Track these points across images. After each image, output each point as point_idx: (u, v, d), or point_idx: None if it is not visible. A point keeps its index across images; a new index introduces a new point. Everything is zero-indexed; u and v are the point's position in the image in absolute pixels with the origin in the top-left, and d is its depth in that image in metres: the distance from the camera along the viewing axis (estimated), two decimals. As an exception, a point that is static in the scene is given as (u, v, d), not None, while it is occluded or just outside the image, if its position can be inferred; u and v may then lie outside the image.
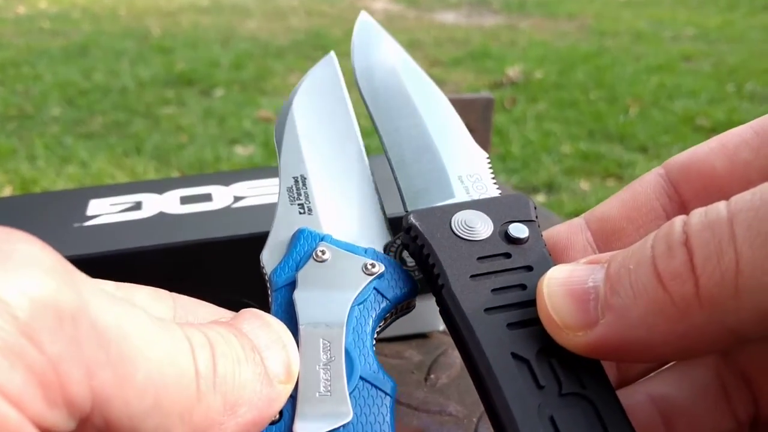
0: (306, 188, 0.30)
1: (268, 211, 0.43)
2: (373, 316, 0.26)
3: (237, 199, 0.46)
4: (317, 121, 0.32)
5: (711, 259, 0.20)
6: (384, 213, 0.30)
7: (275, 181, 0.49)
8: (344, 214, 0.30)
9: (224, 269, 0.41)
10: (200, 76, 2.95)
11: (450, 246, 0.27)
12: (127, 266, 0.39)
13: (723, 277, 0.20)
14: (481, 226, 0.27)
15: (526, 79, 2.90)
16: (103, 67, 3.08)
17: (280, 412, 0.23)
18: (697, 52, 3.30)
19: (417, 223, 0.27)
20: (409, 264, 0.40)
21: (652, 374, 0.29)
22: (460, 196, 0.30)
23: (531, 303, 0.24)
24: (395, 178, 0.31)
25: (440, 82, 0.32)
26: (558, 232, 0.29)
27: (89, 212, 0.43)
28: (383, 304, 0.27)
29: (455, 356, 0.43)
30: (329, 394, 0.23)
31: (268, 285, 0.28)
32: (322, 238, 0.28)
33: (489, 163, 0.31)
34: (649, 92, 2.71)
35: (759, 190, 0.20)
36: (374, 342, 0.26)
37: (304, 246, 0.28)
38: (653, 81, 2.84)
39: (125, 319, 0.19)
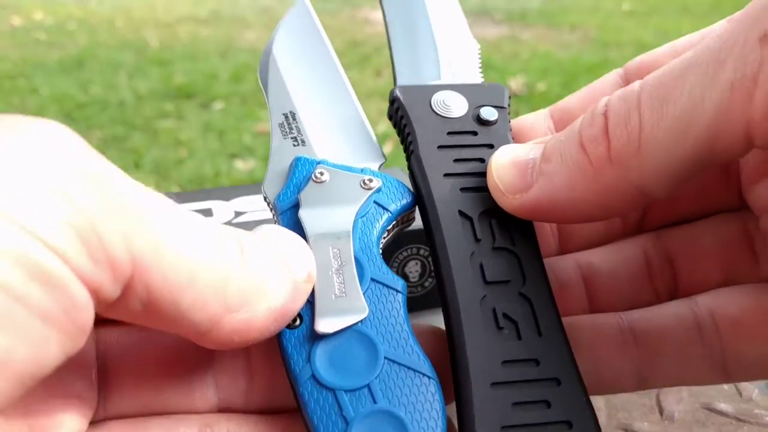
0: (296, 122, 0.31)
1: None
2: (377, 227, 0.28)
3: (238, 214, 0.46)
4: (298, 59, 0.34)
5: (621, 123, 0.23)
6: (375, 137, 0.32)
7: None
8: (336, 141, 0.31)
9: None
10: (199, 89, 2.93)
11: (426, 119, 0.30)
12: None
13: (629, 138, 0.23)
14: (457, 106, 0.30)
15: (530, 92, 2.88)
16: (101, 80, 3.06)
17: (300, 317, 0.25)
18: (703, 62, 3.28)
19: (401, 97, 0.31)
20: (412, 280, 0.46)
21: (587, 250, 0.32)
22: (445, 79, 0.33)
23: (485, 174, 0.28)
24: (391, 56, 0.34)
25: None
26: (524, 119, 0.32)
27: None
28: (385, 216, 0.28)
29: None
30: (344, 295, 0.25)
31: (272, 212, 0.29)
32: (319, 162, 0.29)
33: (479, 54, 0.35)
34: (656, 104, 2.68)
35: (667, 65, 0.23)
36: (380, 250, 0.28)
37: (303, 171, 0.29)
38: (660, 92, 2.81)
39: (152, 194, 0.20)
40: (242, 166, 2.23)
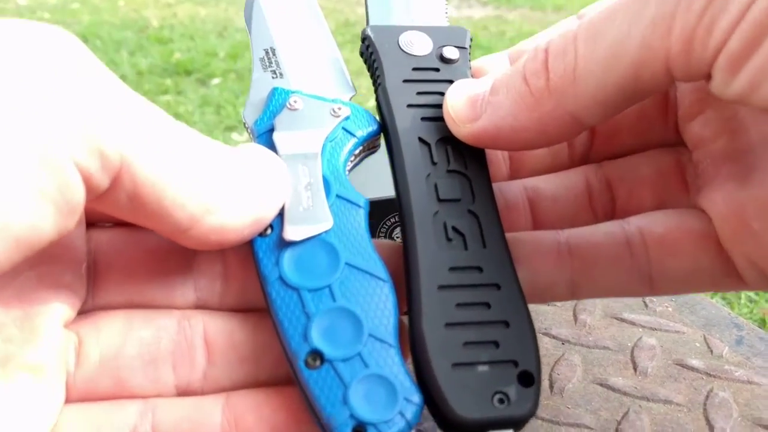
0: (276, 57, 0.33)
1: None
2: (344, 150, 0.30)
3: None
4: (282, 2, 0.36)
5: (559, 56, 0.25)
6: (348, 74, 0.34)
7: None
8: (311, 75, 0.33)
9: None
10: (197, 66, 2.99)
11: (393, 56, 0.32)
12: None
13: (565, 69, 0.25)
14: (422, 45, 0.32)
15: (513, 69, 2.95)
16: (103, 57, 3.01)
17: (272, 227, 0.26)
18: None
19: (372, 35, 0.33)
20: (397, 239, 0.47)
21: (535, 177, 0.34)
22: (413, 21, 0.35)
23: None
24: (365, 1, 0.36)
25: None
26: (484, 60, 0.34)
27: None
28: (352, 141, 0.30)
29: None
30: (312, 207, 0.27)
31: (250, 136, 0.31)
32: (294, 92, 0.31)
33: (446, 1, 0.37)
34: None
35: (601, 5, 0.25)
36: (347, 173, 0.30)
37: (279, 100, 0.30)
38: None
39: (142, 99, 0.22)
40: (238, 138, 2.31)
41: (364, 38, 0.33)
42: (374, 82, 0.32)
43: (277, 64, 0.33)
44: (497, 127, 0.27)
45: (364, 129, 0.31)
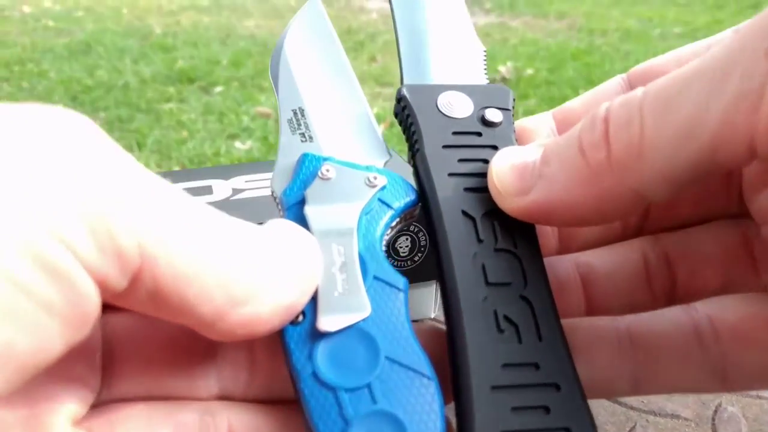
0: (305, 119, 0.31)
1: (265, 203, 0.46)
2: (381, 224, 0.27)
3: (236, 191, 0.47)
4: (309, 57, 0.34)
5: (621, 128, 0.23)
6: (381, 136, 0.32)
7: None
8: (343, 139, 0.31)
9: None
10: (200, 74, 3.00)
11: (431, 118, 0.30)
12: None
13: (629, 142, 0.22)
14: (462, 107, 0.30)
15: (517, 76, 2.96)
16: (106, 65, 3.13)
17: (303, 313, 0.24)
18: (685, 49, 3.34)
19: (407, 95, 0.30)
20: (402, 255, 0.45)
21: (587, 250, 0.32)
22: (451, 80, 0.33)
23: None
24: (398, 55, 0.34)
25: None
26: (528, 121, 0.32)
27: None
28: (389, 213, 0.28)
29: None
30: (347, 292, 0.24)
31: (278, 207, 0.29)
32: (326, 159, 0.29)
33: (485, 56, 0.34)
34: (635, 89, 2.75)
35: (671, 73, 0.23)
36: (384, 248, 0.27)
37: (309, 167, 0.29)
38: (640, 78, 2.89)
39: (162, 185, 0.20)
40: (241, 146, 2.30)
41: (400, 99, 0.31)
42: (411, 147, 0.30)
43: (307, 126, 0.31)
44: (550, 202, 0.25)
45: (402, 199, 0.29)
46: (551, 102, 2.62)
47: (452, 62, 0.33)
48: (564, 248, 0.32)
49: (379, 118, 2.41)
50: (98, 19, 4.05)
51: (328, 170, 0.28)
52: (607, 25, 3.88)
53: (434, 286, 0.49)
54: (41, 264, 0.16)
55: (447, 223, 0.27)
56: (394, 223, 0.29)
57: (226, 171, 0.52)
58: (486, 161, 0.28)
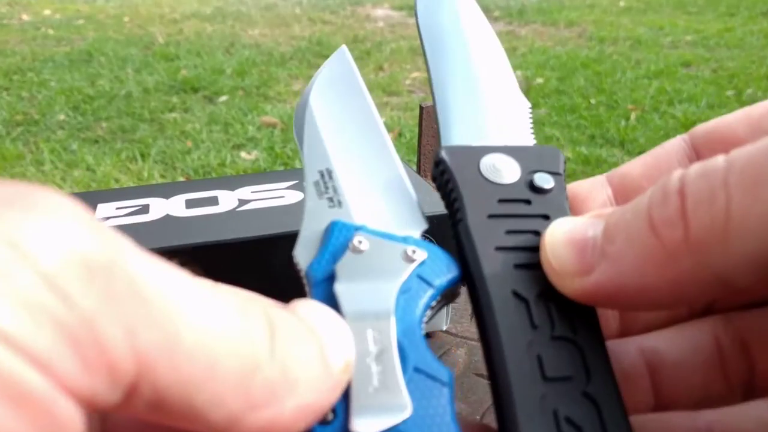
0: (333, 181, 0.29)
1: (272, 214, 0.46)
2: (420, 304, 0.25)
3: (242, 202, 0.47)
4: (336, 113, 0.31)
5: (702, 204, 0.20)
6: (417, 200, 0.29)
7: (279, 185, 0.50)
8: (376, 204, 0.28)
9: (230, 271, 0.42)
10: (204, 83, 2.98)
11: (474, 184, 0.27)
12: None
13: (713, 221, 0.20)
14: (508, 171, 0.27)
15: (527, 85, 2.94)
16: (108, 74, 3.11)
17: (334, 411, 0.21)
18: (697, 58, 3.32)
19: (447, 159, 0.28)
20: None
21: (651, 333, 0.29)
22: (494, 140, 0.29)
23: None
24: (436, 113, 0.31)
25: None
26: (580, 186, 0.29)
27: (97, 216, 0.44)
28: (429, 292, 0.25)
29: (458, 355, 0.44)
30: (384, 387, 0.22)
31: (304, 282, 0.26)
32: (358, 228, 0.26)
33: (530, 113, 0.32)
34: (649, 97, 2.73)
35: (759, 142, 0.20)
36: (423, 333, 0.24)
37: (339, 238, 0.26)
38: (653, 86, 2.86)
39: (166, 275, 0.17)
40: (246, 156, 2.27)
41: (438, 162, 0.28)
42: (451, 216, 0.27)
43: (335, 190, 0.28)
44: (617, 285, 0.22)
45: (443, 276, 0.25)
46: (562, 111, 2.59)
47: (495, 120, 0.31)
48: (625, 330, 0.29)
49: (387, 129, 2.37)
50: (99, 28, 4.05)
51: (360, 241, 0.25)
52: (617, 33, 3.85)
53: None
54: (6, 390, 0.13)
55: (496, 305, 0.24)
56: (434, 303, 0.25)
57: (232, 182, 0.51)
58: (537, 233, 0.25)
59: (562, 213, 0.26)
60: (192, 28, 4.09)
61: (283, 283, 0.42)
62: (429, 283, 0.25)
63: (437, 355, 0.44)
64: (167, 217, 0.44)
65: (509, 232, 0.26)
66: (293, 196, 0.48)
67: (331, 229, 0.26)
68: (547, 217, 0.26)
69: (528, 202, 0.27)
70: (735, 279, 0.20)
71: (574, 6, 4.68)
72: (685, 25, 4.05)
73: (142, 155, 2.27)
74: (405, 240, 0.26)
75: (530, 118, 0.31)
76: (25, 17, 4.27)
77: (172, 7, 4.71)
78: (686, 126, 2.40)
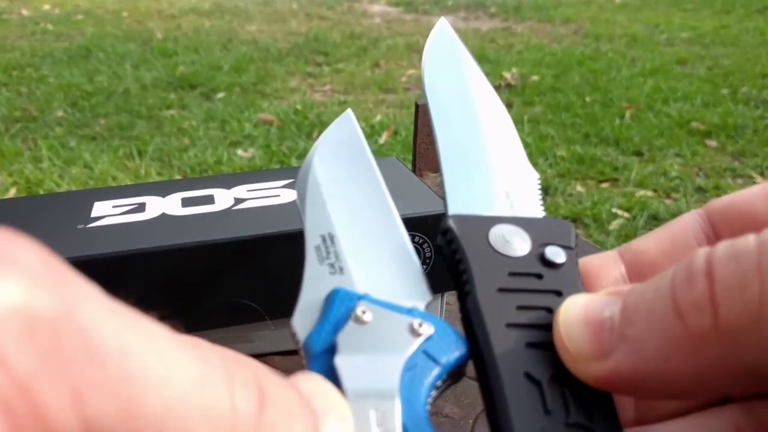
0: (335, 246, 0.27)
1: (268, 213, 0.45)
2: (426, 384, 0.23)
3: (238, 201, 0.47)
4: (340, 177, 0.30)
5: (733, 289, 0.19)
6: (422, 269, 0.28)
7: (275, 183, 0.50)
8: (379, 272, 0.27)
9: (225, 270, 0.42)
10: (202, 80, 2.98)
11: (483, 256, 0.26)
12: (131, 267, 0.40)
13: (744, 308, 0.18)
14: (519, 243, 0.26)
15: (522, 83, 2.94)
16: (107, 70, 3.12)
17: None
18: (692, 55, 3.33)
19: (454, 227, 0.26)
20: None
21: (669, 421, 0.27)
22: (503, 210, 0.29)
23: None
24: (442, 181, 0.30)
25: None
26: (591, 261, 0.28)
27: (93, 214, 0.45)
28: (436, 371, 0.23)
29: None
30: None
31: (301, 353, 0.24)
32: (361, 298, 0.25)
33: (539, 184, 0.31)
34: (644, 96, 2.74)
35: None
36: (428, 413, 0.23)
37: (341, 307, 0.24)
38: (648, 84, 2.87)
39: (131, 330, 0.15)
40: (243, 154, 2.28)
41: (445, 230, 0.27)
42: (458, 289, 0.26)
43: (337, 256, 0.27)
44: (637, 371, 0.20)
45: (451, 353, 0.24)
46: (557, 109, 2.60)
47: (504, 190, 0.29)
48: (642, 417, 0.27)
49: (382, 126, 2.38)
50: (98, 23, 4.05)
51: (364, 312, 0.24)
52: (613, 31, 3.86)
53: (441, 299, 0.47)
54: None
55: (507, 387, 0.22)
56: (439, 383, 0.23)
57: (228, 180, 0.51)
58: (550, 310, 0.24)
59: (576, 290, 0.25)
60: (190, 23, 4.10)
61: (278, 282, 0.44)
62: (436, 361, 0.23)
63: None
64: (163, 216, 0.44)
65: (520, 307, 0.24)
66: (289, 195, 0.48)
67: (333, 297, 0.25)
68: (559, 294, 0.25)
69: (539, 276, 0.25)
70: (766, 370, 0.19)
71: (571, 3, 4.68)
72: (681, 22, 4.05)
73: (140, 152, 2.28)
74: (411, 312, 0.25)
75: (539, 188, 0.30)
76: (24, 12, 4.27)
77: (171, 2, 4.71)
78: (680, 125, 2.41)
